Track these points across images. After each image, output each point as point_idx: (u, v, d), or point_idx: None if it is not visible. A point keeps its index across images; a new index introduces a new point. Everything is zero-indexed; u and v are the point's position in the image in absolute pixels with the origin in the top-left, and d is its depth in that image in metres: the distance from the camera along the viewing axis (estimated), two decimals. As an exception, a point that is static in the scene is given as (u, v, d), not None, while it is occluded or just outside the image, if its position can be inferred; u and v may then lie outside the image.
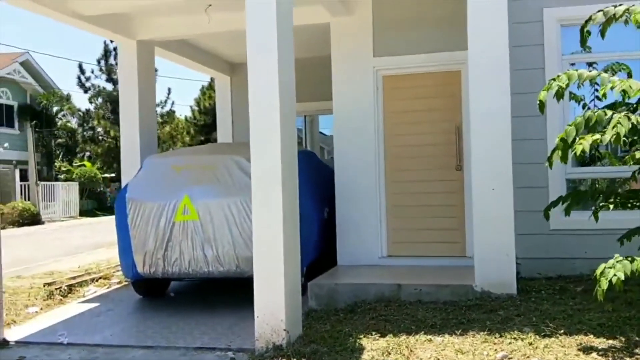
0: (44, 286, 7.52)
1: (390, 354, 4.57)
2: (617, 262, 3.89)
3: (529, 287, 6.19)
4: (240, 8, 7.12)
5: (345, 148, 7.48)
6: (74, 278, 8.11)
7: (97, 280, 8.12)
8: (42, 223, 23.63)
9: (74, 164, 30.66)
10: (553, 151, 4.33)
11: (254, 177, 4.85)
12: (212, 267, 6.26)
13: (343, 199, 7.44)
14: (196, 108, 33.82)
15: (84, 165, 30.07)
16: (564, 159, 4.22)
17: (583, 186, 7.35)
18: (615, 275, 3.71)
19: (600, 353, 4.28)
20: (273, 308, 4.76)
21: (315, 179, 7.40)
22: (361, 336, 4.99)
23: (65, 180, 28.62)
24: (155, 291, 7.24)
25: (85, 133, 31.89)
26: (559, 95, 4.04)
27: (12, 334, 5.82)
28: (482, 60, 5.97)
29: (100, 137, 31.87)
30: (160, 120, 32.81)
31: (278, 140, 4.79)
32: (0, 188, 24.69)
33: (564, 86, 3.98)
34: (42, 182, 26.23)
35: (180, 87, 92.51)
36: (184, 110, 59.21)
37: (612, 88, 3.99)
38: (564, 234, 6.86)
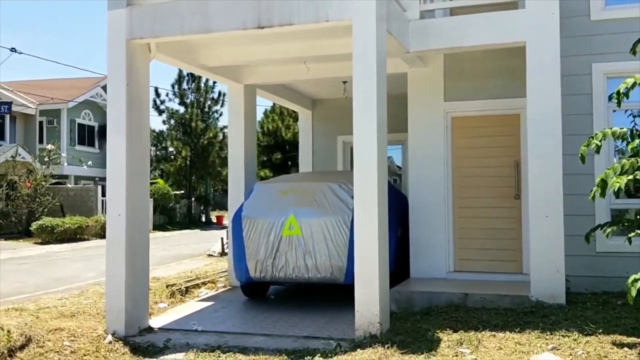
0: (167, 287, 9.06)
1: (462, 343, 5.86)
2: (645, 275, 5.08)
3: (576, 299, 7.35)
4: (330, 60, 8.64)
5: (418, 177, 8.79)
6: (189, 281, 9.66)
7: (205, 284, 9.65)
8: (122, 236, 25.61)
9: (148, 181, 32.75)
10: (595, 188, 5.55)
11: (356, 200, 6.25)
12: (311, 273, 7.67)
13: (416, 221, 8.75)
14: (260, 130, 35.75)
15: (157, 183, 32.17)
16: (602, 194, 5.43)
17: (629, 215, 8.45)
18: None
19: (629, 347, 5.46)
20: (370, 304, 6.12)
21: (391, 203, 8.73)
22: (437, 331, 6.29)
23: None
24: (259, 294, 8.71)
25: (158, 152, 34.11)
26: (597, 150, 5.33)
27: (154, 323, 7.35)
28: (538, 108, 7.23)
29: (172, 157, 34.06)
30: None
31: (375, 174, 6.20)
32: (84, 203, 26.88)
33: (599, 144, 5.25)
34: (121, 198, 28.31)
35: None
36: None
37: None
38: (608, 256, 7.98)
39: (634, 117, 6.29)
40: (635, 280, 5.11)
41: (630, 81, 5.70)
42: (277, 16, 6.47)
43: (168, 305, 8.39)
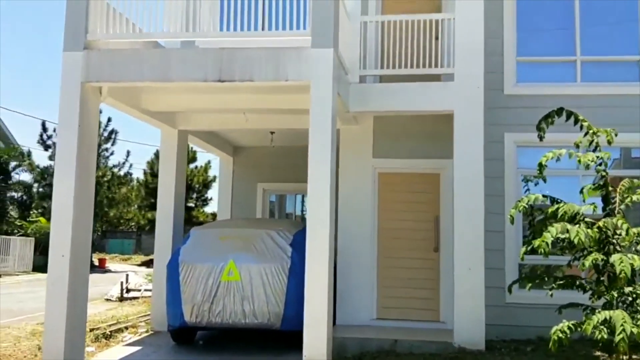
0: (90, 331, 8.81)
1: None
2: (566, 326, 5.80)
3: (492, 346, 8.05)
4: (266, 112, 9.01)
5: (347, 227, 9.20)
6: (111, 325, 9.45)
7: (127, 329, 9.47)
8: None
9: (29, 219, 30.94)
10: (526, 243, 6.24)
11: (309, 247, 6.62)
12: (248, 319, 7.83)
13: (344, 269, 9.14)
14: (149, 171, 35.06)
15: (39, 221, 30.47)
16: (546, 253, 6.03)
17: (527, 269, 9.38)
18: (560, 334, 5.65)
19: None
20: (318, 347, 6.45)
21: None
22: (373, 374, 6.70)
23: (19, 235, 28.94)
24: (188, 339, 8.68)
25: (42, 189, 32.35)
26: (525, 212, 6.16)
27: (87, 367, 7.19)
28: (464, 170, 8.01)
29: (58, 194, 32.39)
30: (117, 181, 33.89)
31: (327, 222, 6.63)
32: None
33: (526, 206, 6.09)
34: (-2, 236, 26.63)
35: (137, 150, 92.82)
36: (139, 173, 59.61)
37: (557, 209, 6.11)
38: (516, 307, 8.80)
39: (527, 181, 7.25)
40: (558, 331, 5.82)
41: (550, 155, 6.59)
42: (239, 72, 6.82)
43: (95, 349, 8.18)
